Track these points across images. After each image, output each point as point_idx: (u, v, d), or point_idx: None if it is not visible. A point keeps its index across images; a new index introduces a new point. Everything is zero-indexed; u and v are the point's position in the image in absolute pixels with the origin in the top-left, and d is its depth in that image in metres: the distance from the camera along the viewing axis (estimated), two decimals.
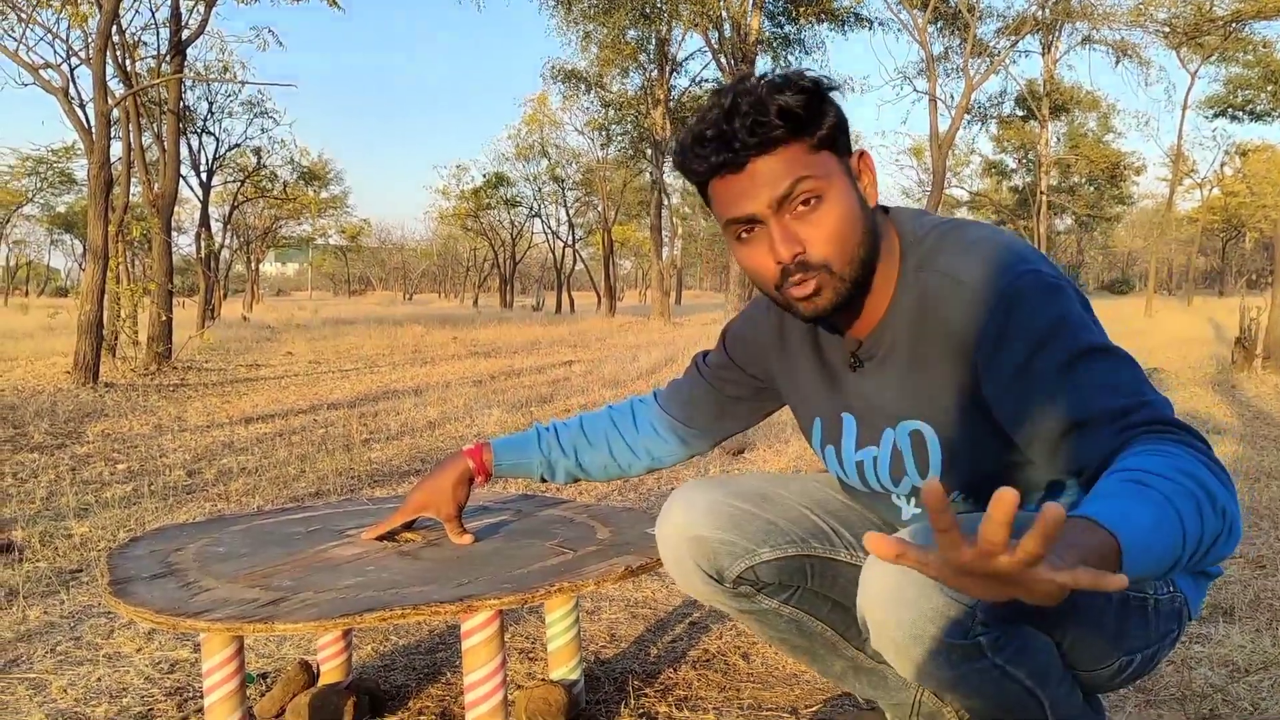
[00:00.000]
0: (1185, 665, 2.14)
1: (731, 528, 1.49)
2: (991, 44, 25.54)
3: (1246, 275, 63.50)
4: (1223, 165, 38.40)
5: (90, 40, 9.47)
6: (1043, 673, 1.30)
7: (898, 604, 1.20)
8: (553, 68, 26.08)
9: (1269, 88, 29.30)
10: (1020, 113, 32.20)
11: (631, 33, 23.83)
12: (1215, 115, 33.27)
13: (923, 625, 1.19)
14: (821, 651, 1.64)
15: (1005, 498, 0.78)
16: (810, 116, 1.26)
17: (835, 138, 1.30)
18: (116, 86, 10.81)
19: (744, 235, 1.32)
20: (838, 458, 1.51)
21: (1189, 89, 31.08)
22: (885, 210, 1.40)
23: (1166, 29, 21.28)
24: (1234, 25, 20.82)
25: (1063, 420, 1.18)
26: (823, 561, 1.55)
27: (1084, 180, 38.42)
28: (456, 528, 1.74)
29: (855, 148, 1.35)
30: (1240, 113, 32.21)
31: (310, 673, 2.00)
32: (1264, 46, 28.04)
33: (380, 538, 1.78)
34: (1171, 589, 1.39)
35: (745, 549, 1.49)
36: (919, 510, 1.43)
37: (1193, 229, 42.43)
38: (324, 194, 39.94)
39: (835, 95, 1.30)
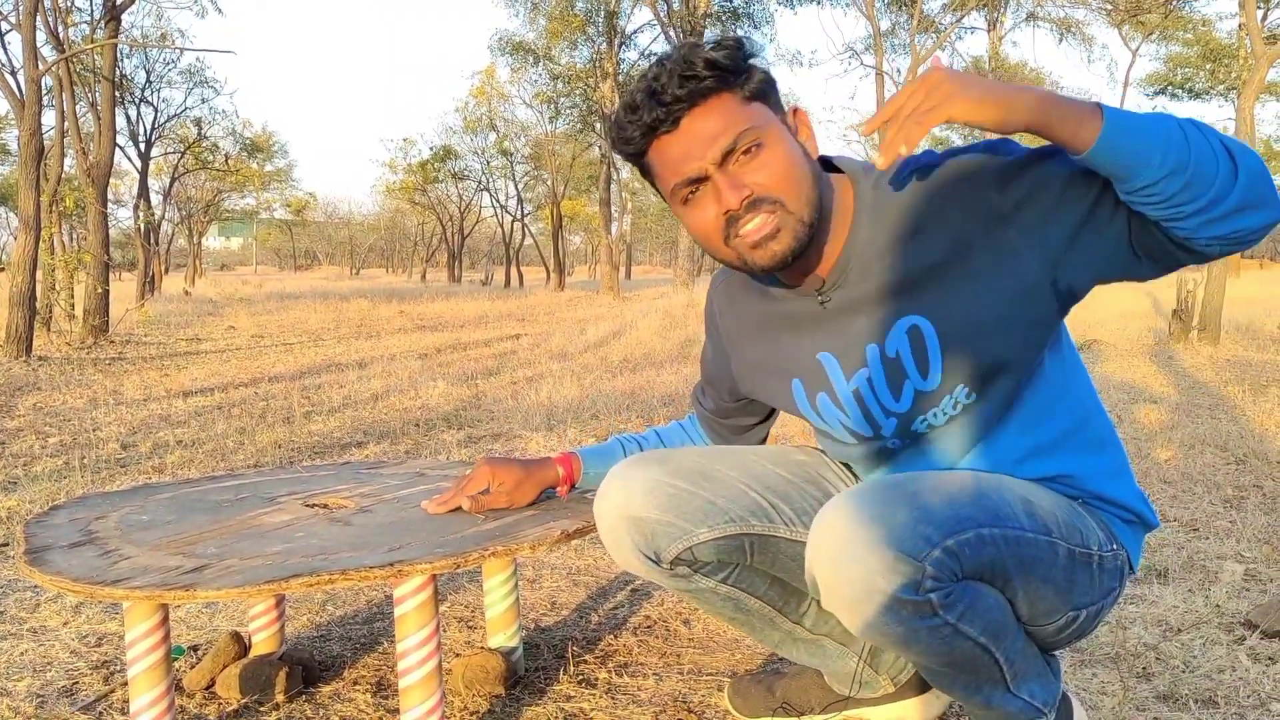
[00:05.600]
0: (1119, 625, 2.17)
1: (670, 508, 1.44)
2: (937, 19, 25.69)
3: None
4: None
5: (20, 4, 9.17)
6: (996, 629, 1.29)
7: (847, 561, 1.19)
8: (500, 39, 25.80)
9: (1207, 66, 29.77)
10: None
11: (580, 4, 23.63)
12: (1155, 93, 33.71)
13: (872, 581, 1.18)
14: (759, 624, 1.63)
15: None
16: (737, 67, 1.28)
17: (766, 92, 1.31)
18: (49, 53, 10.51)
19: (689, 197, 1.31)
20: (834, 401, 1.44)
21: (1130, 67, 31.41)
22: (830, 160, 1.40)
23: (1109, 6, 21.52)
24: (1174, 3, 21.11)
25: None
26: (762, 539, 1.49)
27: None
28: (488, 509, 1.67)
29: (791, 106, 1.36)
30: (1180, 90, 32.66)
31: (241, 644, 1.96)
32: (1203, 25, 28.47)
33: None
34: (1115, 546, 1.40)
35: (683, 530, 1.44)
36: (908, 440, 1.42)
37: None
38: (268, 167, 39.26)
39: (758, 61, 1.31)
